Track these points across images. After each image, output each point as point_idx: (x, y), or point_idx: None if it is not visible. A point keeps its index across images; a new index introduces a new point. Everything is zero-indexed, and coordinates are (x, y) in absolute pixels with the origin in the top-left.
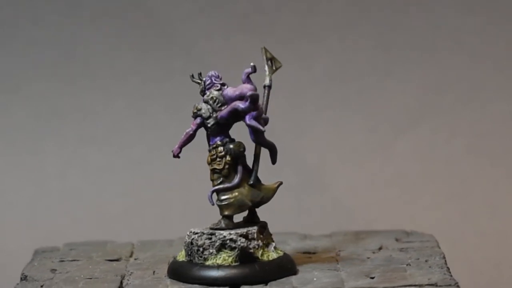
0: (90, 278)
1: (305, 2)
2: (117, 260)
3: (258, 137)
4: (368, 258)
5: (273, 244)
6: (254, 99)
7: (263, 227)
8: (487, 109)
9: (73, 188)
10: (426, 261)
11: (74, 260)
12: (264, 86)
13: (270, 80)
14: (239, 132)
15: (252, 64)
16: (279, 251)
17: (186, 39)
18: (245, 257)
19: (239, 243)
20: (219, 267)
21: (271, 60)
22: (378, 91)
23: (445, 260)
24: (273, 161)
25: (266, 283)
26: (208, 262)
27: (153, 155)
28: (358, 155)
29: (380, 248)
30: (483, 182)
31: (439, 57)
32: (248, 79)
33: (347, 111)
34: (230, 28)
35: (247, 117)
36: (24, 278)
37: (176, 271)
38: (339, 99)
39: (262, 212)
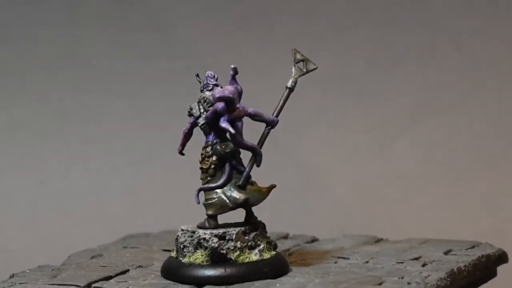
0: (104, 266)
1: (304, 3)
2: (169, 251)
3: (233, 139)
4: (382, 267)
5: (261, 246)
6: (222, 100)
7: (253, 228)
8: (486, 109)
9: (75, 188)
10: (426, 276)
11: (134, 248)
12: (286, 88)
13: (293, 82)
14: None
15: (232, 66)
16: (265, 254)
17: (187, 41)
18: (216, 257)
19: (210, 243)
20: (189, 265)
21: (303, 61)
22: (377, 92)
23: (447, 278)
24: (257, 163)
25: (230, 285)
26: (185, 260)
27: (154, 155)
28: (358, 155)
29: (415, 259)
30: (482, 182)
31: (438, 58)
32: (233, 81)
33: (347, 111)
34: (230, 29)
35: (221, 119)
36: (65, 260)
37: (164, 267)
38: (339, 100)
39: (263, 212)
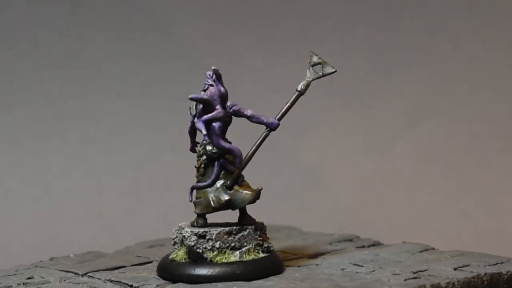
0: (138, 257)
1: (304, 5)
2: None
3: (211, 139)
4: (370, 277)
5: (245, 248)
6: (194, 101)
7: (242, 229)
8: (484, 110)
9: (76, 188)
10: None
11: None
12: (296, 90)
13: (304, 85)
14: (238, 133)
15: (212, 67)
16: (248, 256)
17: (188, 42)
18: (193, 255)
19: (188, 241)
20: (171, 261)
21: (321, 65)
22: (377, 93)
23: None
24: (236, 165)
25: (198, 284)
26: (171, 256)
27: (155, 156)
28: (358, 156)
29: (417, 271)
30: (480, 182)
31: (437, 60)
32: (217, 82)
33: (346, 112)
34: (231, 31)
35: (198, 119)
36: (123, 248)
37: (159, 262)
38: (338, 101)
39: (262, 212)
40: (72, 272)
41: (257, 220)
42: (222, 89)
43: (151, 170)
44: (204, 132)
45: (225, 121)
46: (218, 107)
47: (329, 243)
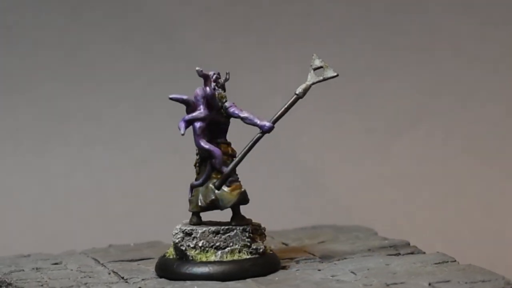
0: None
1: (304, 5)
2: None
3: (194, 139)
4: (339, 286)
5: (228, 248)
6: (173, 101)
7: (230, 230)
8: (482, 111)
9: (78, 188)
10: None
11: None
12: (294, 94)
13: (303, 89)
14: (236, 133)
15: (196, 68)
16: (230, 256)
17: (188, 42)
18: (179, 252)
19: (174, 238)
20: (163, 257)
21: (322, 68)
22: (376, 93)
23: None
24: (216, 166)
25: (173, 280)
26: (167, 252)
27: (156, 156)
28: (356, 156)
29: (390, 284)
30: (478, 182)
31: (436, 60)
32: (205, 84)
33: (345, 112)
34: (231, 31)
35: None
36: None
37: None
38: (337, 101)
39: (261, 212)
40: (97, 261)
41: (272, 221)
42: (207, 90)
43: (151, 170)
44: (182, 131)
45: (219, 121)
46: (201, 107)
47: (368, 248)
